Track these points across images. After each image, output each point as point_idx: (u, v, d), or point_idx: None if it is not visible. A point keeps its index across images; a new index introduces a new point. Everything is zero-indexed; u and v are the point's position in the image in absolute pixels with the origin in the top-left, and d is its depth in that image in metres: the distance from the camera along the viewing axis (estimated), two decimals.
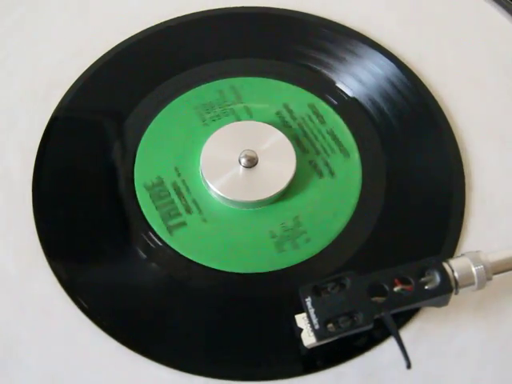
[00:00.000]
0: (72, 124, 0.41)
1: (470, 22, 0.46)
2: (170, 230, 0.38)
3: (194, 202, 0.39)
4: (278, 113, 0.41)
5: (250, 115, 0.41)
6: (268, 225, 0.38)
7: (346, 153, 0.40)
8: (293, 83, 0.42)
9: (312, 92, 0.42)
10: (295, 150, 0.39)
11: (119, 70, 0.43)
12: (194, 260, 0.37)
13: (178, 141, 0.41)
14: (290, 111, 0.41)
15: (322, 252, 0.37)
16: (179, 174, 0.39)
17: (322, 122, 0.41)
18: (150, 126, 0.41)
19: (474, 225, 0.39)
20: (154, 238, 0.38)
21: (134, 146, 0.40)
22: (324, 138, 0.41)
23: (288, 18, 0.45)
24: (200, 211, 0.38)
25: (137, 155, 0.40)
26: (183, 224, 0.38)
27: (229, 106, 0.42)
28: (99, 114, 0.42)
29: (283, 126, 0.41)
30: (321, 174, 0.39)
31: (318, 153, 0.40)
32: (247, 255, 0.37)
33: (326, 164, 0.40)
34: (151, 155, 0.40)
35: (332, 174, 0.39)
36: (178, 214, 0.38)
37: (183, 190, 0.39)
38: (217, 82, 0.43)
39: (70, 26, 0.45)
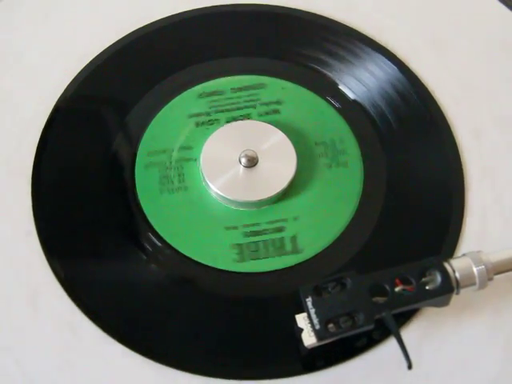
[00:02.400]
0: (74, 115, 0.41)
1: (473, 25, 0.46)
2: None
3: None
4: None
5: (276, 119, 0.41)
6: (265, 224, 0.38)
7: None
8: (295, 83, 0.42)
9: (315, 93, 0.42)
10: (296, 150, 0.39)
11: (136, 56, 0.43)
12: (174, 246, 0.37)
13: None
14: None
15: (322, 252, 0.37)
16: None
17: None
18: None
19: (474, 225, 0.39)
20: (153, 238, 0.38)
21: (150, 117, 0.41)
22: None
23: (291, 18, 0.45)
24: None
25: (152, 121, 0.41)
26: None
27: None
28: (118, 93, 0.42)
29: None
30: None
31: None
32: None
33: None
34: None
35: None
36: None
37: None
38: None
39: (76, 17, 0.45)
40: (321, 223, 0.38)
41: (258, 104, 0.41)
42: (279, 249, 0.37)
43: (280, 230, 0.38)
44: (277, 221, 0.38)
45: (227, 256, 0.37)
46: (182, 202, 0.38)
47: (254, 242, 0.38)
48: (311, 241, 0.38)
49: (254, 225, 0.38)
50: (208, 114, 0.41)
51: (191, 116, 0.41)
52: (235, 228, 0.38)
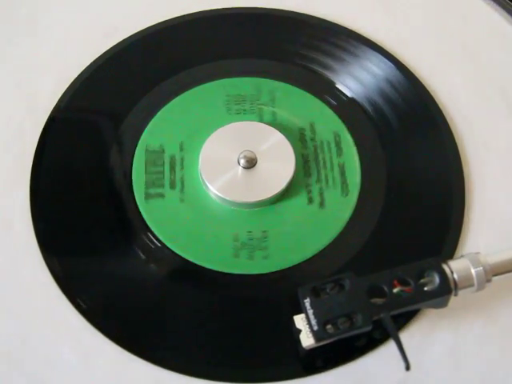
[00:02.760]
0: (71, 120, 0.41)
1: (469, 24, 0.46)
2: (147, 197, 0.38)
3: (182, 180, 0.39)
4: (301, 129, 0.41)
5: (274, 121, 0.41)
6: (263, 226, 0.38)
7: (346, 191, 0.39)
8: (293, 84, 0.42)
9: (311, 93, 0.42)
10: (296, 157, 0.39)
11: (132, 59, 0.44)
12: (165, 242, 0.37)
13: (196, 120, 0.41)
14: (314, 131, 0.41)
15: (321, 253, 0.37)
16: (181, 150, 0.40)
17: (339, 153, 0.40)
18: (174, 100, 0.42)
19: (473, 226, 0.39)
20: (152, 238, 0.38)
21: (150, 115, 0.41)
22: (332, 169, 0.40)
23: (287, 19, 0.45)
24: (182, 190, 0.39)
25: (152, 120, 0.41)
26: (161, 196, 0.38)
27: (260, 105, 0.42)
28: (113, 98, 0.42)
29: (299, 141, 0.40)
30: (310, 201, 0.39)
31: (318, 181, 0.40)
32: (212, 250, 0.37)
33: (321, 195, 0.39)
34: (165, 123, 0.41)
35: (322, 205, 0.39)
36: (161, 185, 0.39)
37: (177, 166, 0.39)
38: (256, 78, 0.43)
39: (68, 25, 0.45)
40: (320, 223, 0.38)
41: (255, 105, 0.42)
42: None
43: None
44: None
45: (227, 257, 0.37)
46: (181, 204, 0.38)
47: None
48: (311, 241, 0.38)
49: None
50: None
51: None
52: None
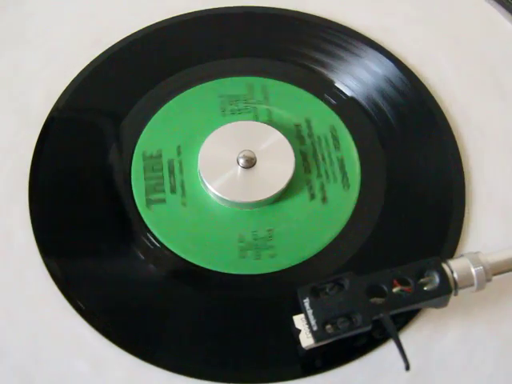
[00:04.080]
0: (70, 121, 0.41)
1: (470, 22, 0.46)
2: (148, 203, 0.38)
3: (182, 184, 0.39)
4: (297, 125, 0.41)
5: (270, 119, 0.41)
6: (263, 225, 0.38)
7: (347, 185, 0.39)
8: (286, 81, 0.42)
9: (311, 92, 0.42)
10: (295, 156, 0.39)
11: (132, 58, 0.44)
12: (166, 245, 0.37)
13: (191, 122, 0.41)
14: (310, 127, 0.41)
15: (321, 253, 0.37)
16: (179, 154, 0.40)
17: (337, 147, 0.40)
18: (168, 103, 0.41)
19: (473, 225, 0.39)
20: (151, 238, 0.37)
21: (145, 120, 0.41)
22: (331, 163, 0.40)
23: (287, 18, 0.45)
24: (183, 194, 0.38)
25: (147, 125, 0.41)
26: (163, 201, 0.38)
27: (254, 104, 0.42)
28: (111, 98, 0.42)
29: (297, 138, 0.40)
30: (313, 197, 0.39)
31: (319, 176, 0.40)
32: (218, 252, 0.37)
33: (322, 189, 0.39)
34: (160, 128, 0.41)
35: (324, 200, 0.39)
36: (162, 191, 0.38)
37: (176, 170, 0.39)
38: (246, 78, 0.43)
39: (66, 25, 0.45)
40: (324, 218, 0.38)
41: (249, 104, 0.41)
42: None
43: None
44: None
45: (233, 257, 0.37)
46: (183, 208, 0.38)
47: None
48: (311, 241, 0.38)
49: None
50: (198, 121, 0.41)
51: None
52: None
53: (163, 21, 0.45)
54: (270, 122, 0.40)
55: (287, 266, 0.37)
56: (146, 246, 0.37)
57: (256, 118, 0.41)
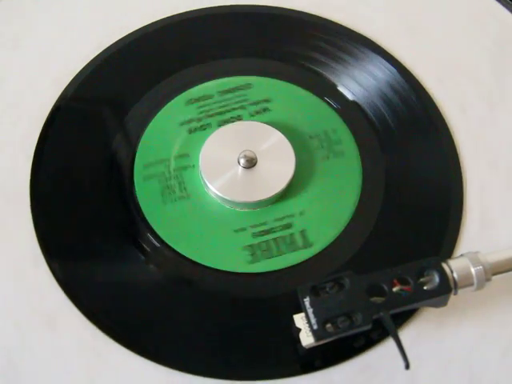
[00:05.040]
0: (74, 114, 0.41)
1: (471, 27, 0.46)
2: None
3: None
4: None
5: (270, 119, 0.41)
6: (264, 225, 0.38)
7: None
8: (294, 84, 0.43)
9: (312, 93, 0.42)
10: (294, 150, 0.39)
11: (138, 55, 0.44)
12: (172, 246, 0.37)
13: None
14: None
15: (321, 252, 0.37)
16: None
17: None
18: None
19: (473, 225, 0.39)
20: (154, 239, 0.38)
21: (144, 124, 0.41)
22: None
23: (290, 19, 0.45)
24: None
25: (148, 126, 0.41)
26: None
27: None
28: (114, 95, 0.42)
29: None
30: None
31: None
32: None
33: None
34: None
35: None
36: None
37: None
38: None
39: (77, 17, 0.45)
40: (318, 225, 0.38)
41: (248, 104, 0.42)
42: (289, 245, 0.37)
43: (287, 227, 0.38)
44: (284, 218, 0.38)
45: (228, 256, 0.37)
46: (186, 209, 0.38)
47: (263, 242, 0.38)
48: (313, 239, 0.38)
49: (261, 224, 0.38)
50: (199, 119, 0.41)
51: (182, 123, 0.41)
52: (237, 229, 0.38)
53: (163, 19, 0.45)
54: (270, 123, 0.41)
55: (288, 265, 0.37)
56: (149, 246, 0.37)
57: (255, 119, 0.41)
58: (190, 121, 0.41)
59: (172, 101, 0.42)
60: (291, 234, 0.38)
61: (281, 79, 0.43)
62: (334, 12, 0.45)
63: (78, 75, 0.42)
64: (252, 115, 0.41)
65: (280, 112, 0.41)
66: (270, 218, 0.38)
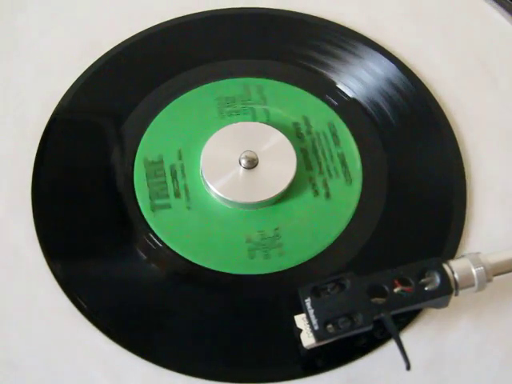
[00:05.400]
0: (72, 122, 0.42)
1: (471, 24, 0.46)
2: (153, 208, 0.38)
3: (185, 187, 0.39)
4: (295, 123, 0.41)
5: (268, 118, 0.41)
6: (265, 226, 0.38)
7: (349, 179, 0.39)
8: (295, 84, 0.43)
9: (312, 93, 0.42)
10: (297, 157, 0.39)
11: (132, 61, 0.44)
12: (172, 248, 0.37)
13: (190, 126, 0.41)
14: (308, 125, 0.41)
15: (322, 253, 0.37)
16: (180, 158, 0.40)
17: (337, 142, 0.40)
18: (166, 108, 0.41)
19: (474, 225, 0.39)
20: (153, 238, 0.38)
21: (142, 129, 0.41)
22: (332, 159, 0.40)
23: (288, 19, 0.45)
24: (188, 198, 0.39)
25: (146, 130, 0.41)
26: (167, 206, 0.38)
27: (251, 104, 0.42)
28: (111, 101, 0.42)
29: (296, 136, 0.41)
30: (316, 193, 0.39)
31: (321, 172, 0.40)
32: (224, 253, 0.37)
33: (325, 185, 0.39)
34: (159, 133, 0.41)
35: (328, 195, 0.39)
36: (166, 196, 0.38)
37: (178, 174, 0.39)
38: (243, 78, 0.43)
39: (69, 27, 0.45)
40: (329, 213, 0.38)
41: (250, 106, 0.42)
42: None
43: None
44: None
45: (230, 257, 0.37)
46: (188, 212, 0.38)
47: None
48: (317, 238, 0.38)
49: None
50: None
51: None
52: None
53: (157, 25, 0.45)
54: (270, 123, 0.40)
55: (289, 266, 0.37)
56: (150, 248, 0.37)
57: (255, 119, 0.41)
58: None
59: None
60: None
61: (279, 80, 0.43)
62: (332, 11, 0.45)
63: (73, 84, 0.42)
64: (251, 116, 0.41)
65: (279, 112, 0.41)
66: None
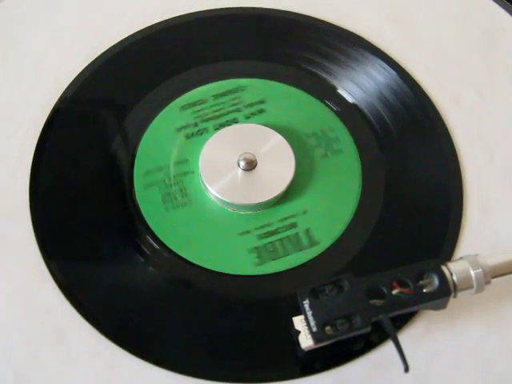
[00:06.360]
0: (74, 116, 0.42)
1: (471, 30, 0.46)
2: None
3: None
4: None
5: (267, 120, 0.41)
6: (268, 227, 0.38)
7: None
8: (294, 87, 0.43)
9: (311, 95, 0.42)
10: (295, 159, 0.39)
11: (131, 61, 0.44)
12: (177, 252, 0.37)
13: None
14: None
15: (320, 255, 0.37)
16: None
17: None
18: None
19: (473, 227, 0.39)
20: (151, 240, 0.38)
21: (141, 131, 0.41)
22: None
23: (290, 22, 0.45)
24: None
25: (146, 130, 0.41)
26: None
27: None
28: (111, 100, 0.42)
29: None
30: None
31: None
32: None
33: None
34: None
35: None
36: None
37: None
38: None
39: (78, 19, 0.45)
40: (330, 214, 0.39)
41: (243, 107, 0.42)
42: (295, 245, 0.38)
43: (291, 227, 0.38)
44: (287, 218, 0.38)
45: (228, 258, 0.37)
46: (188, 214, 0.38)
47: (267, 243, 0.38)
48: (311, 242, 0.38)
49: (265, 225, 0.38)
50: (195, 124, 0.41)
51: (179, 129, 0.41)
52: (237, 231, 0.38)
53: (161, 22, 0.45)
54: (267, 124, 0.41)
55: (288, 267, 0.37)
56: (149, 249, 0.37)
57: (251, 120, 0.41)
58: (186, 126, 0.41)
59: (167, 107, 0.42)
60: (296, 234, 0.38)
61: (275, 80, 0.43)
62: (332, 14, 0.45)
63: (75, 79, 0.42)
64: (247, 117, 0.41)
65: (275, 113, 0.42)
66: (274, 219, 0.38)
